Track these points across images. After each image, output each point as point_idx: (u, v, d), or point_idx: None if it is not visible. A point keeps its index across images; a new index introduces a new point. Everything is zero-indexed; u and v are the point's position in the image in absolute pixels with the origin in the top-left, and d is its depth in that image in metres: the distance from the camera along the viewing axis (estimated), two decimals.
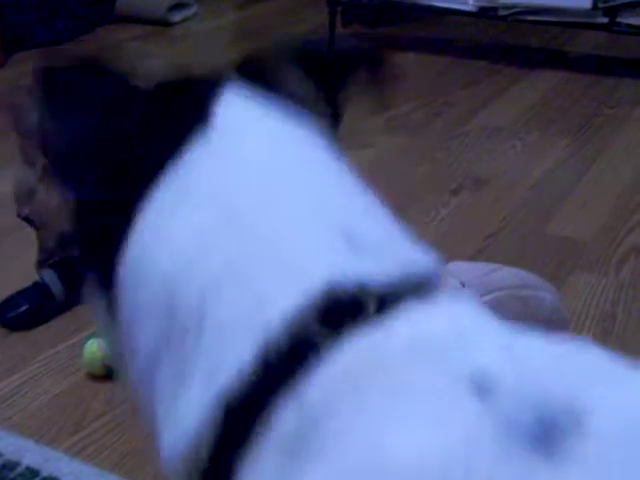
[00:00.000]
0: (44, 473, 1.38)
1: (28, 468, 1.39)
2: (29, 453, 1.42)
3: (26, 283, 1.80)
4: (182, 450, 0.57)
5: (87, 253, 0.68)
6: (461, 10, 3.15)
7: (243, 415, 0.53)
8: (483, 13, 3.11)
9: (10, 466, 1.39)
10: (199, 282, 0.57)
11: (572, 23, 3.04)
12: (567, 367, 0.51)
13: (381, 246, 0.58)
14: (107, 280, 0.63)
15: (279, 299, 0.54)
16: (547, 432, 0.46)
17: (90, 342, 1.59)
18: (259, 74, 0.68)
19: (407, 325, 0.53)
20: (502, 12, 3.07)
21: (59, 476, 1.37)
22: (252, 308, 0.55)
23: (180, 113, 0.64)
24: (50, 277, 1.78)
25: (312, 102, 0.69)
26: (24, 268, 1.81)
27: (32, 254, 1.78)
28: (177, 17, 3.80)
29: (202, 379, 0.55)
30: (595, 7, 2.92)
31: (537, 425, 0.47)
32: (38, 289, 1.79)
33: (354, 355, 0.51)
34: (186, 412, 0.56)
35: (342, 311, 0.53)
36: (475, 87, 2.98)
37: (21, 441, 1.45)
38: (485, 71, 3.12)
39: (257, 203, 0.58)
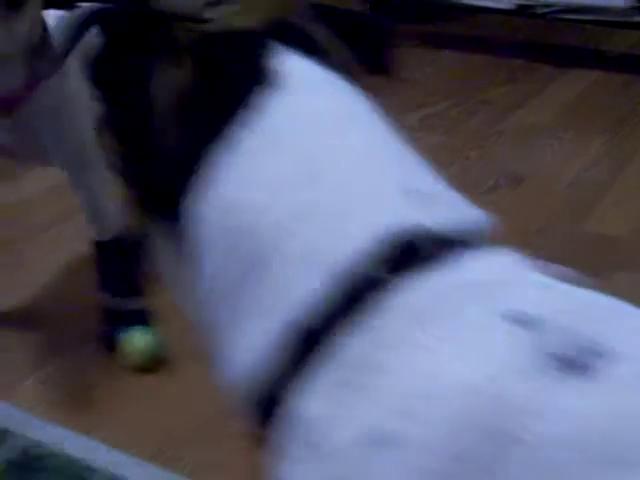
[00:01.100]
0: (83, 462, 1.39)
1: (67, 457, 1.40)
2: (68, 442, 1.44)
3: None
4: (248, 372, 0.62)
5: (163, 196, 0.70)
6: (499, 8, 3.14)
7: (311, 341, 0.59)
8: (521, 11, 3.10)
9: (50, 455, 1.40)
10: (276, 219, 0.62)
11: (609, 22, 3.02)
12: (599, 309, 0.58)
13: (436, 200, 0.64)
14: (180, 221, 0.67)
15: (350, 239, 0.60)
16: (577, 360, 0.52)
17: (130, 333, 1.61)
18: (289, 35, 0.72)
19: (461, 268, 0.59)
20: (540, 10, 3.06)
21: (98, 465, 1.38)
22: (324, 246, 0.61)
23: (245, 63, 0.69)
24: None
25: (340, 58, 0.73)
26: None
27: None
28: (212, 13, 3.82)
29: (273, 307, 0.61)
30: (632, 6, 2.90)
31: (569, 353, 0.52)
32: None
33: (413, 293, 0.58)
34: (256, 337, 0.62)
35: (405, 254, 0.59)
36: (512, 85, 2.97)
37: (60, 430, 1.47)
38: (522, 69, 3.10)
39: (333, 154, 0.65)
